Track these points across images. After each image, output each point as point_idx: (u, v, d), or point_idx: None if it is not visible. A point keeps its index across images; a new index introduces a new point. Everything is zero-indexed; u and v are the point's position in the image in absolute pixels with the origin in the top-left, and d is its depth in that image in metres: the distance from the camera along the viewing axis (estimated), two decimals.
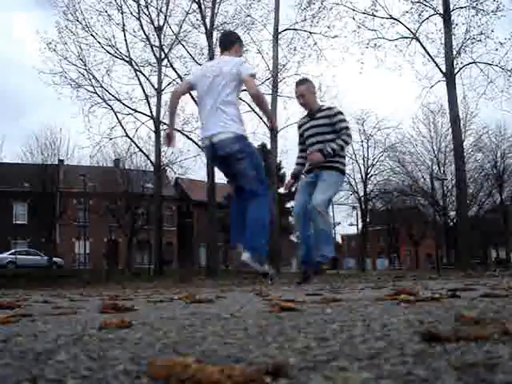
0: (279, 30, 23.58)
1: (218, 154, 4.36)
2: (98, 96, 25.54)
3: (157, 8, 25.14)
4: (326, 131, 4.98)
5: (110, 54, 25.61)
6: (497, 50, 21.64)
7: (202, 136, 4.54)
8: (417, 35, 22.07)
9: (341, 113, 5.02)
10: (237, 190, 4.63)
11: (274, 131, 5.41)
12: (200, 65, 24.58)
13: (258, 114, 23.31)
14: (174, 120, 4.88)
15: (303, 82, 5.18)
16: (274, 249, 22.27)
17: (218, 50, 5.18)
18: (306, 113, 5.26)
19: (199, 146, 24.50)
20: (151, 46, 25.52)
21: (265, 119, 23.04)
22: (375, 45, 22.59)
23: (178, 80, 25.03)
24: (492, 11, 20.95)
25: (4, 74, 68.01)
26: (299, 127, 5.23)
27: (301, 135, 5.20)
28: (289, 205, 41.48)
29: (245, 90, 4.73)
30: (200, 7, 23.97)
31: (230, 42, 4.75)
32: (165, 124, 26.04)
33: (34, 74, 33.07)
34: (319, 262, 4.73)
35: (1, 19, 65.12)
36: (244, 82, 4.38)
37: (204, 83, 4.48)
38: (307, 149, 5.07)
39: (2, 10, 60.98)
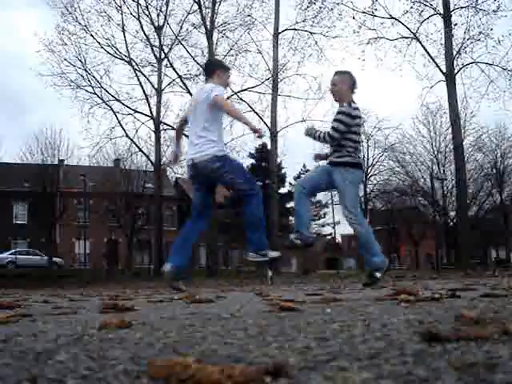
0: (279, 30, 23.57)
1: (201, 171, 4.81)
2: (98, 96, 25.54)
3: (157, 8, 25.16)
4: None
5: (110, 54, 25.62)
6: (493, 47, 21.63)
7: (187, 157, 4.97)
8: (417, 35, 22.06)
9: (343, 112, 4.74)
10: (197, 215, 4.96)
11: (261, 137, 5.57)
12: (200, 64, 24.58)
13: (257, 114, 23.33)
14: (178, 145, 5.50)
15: (337, 73, 4.99)
16: (273, 249, 22.19)
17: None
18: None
19: None
20: (151, 46, 25.52)
21: (263, 124, 23.06)
22: (377, 37, 22.56)
23: (178, 80, 25.04)
24: (493, 11, 20.94)
25: (5, 73, 67.86)
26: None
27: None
28: (289, 205, 41.45)
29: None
30: (200, 7, 23.96)
31: (212, 70, 5.04)
32: (165, 124, 26.06)
33: (35, 74, 32.96)
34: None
35: (3, 17, 64.98)
36: (214, 104, 4.66)
37: (191, 114, 4.95)
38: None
39: (5, 9, 60.92)
